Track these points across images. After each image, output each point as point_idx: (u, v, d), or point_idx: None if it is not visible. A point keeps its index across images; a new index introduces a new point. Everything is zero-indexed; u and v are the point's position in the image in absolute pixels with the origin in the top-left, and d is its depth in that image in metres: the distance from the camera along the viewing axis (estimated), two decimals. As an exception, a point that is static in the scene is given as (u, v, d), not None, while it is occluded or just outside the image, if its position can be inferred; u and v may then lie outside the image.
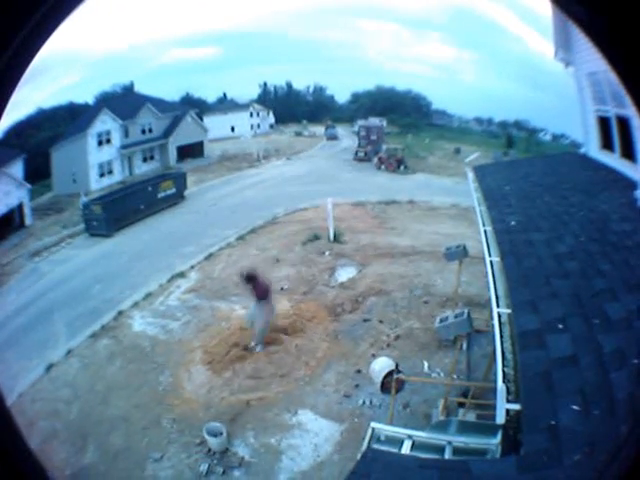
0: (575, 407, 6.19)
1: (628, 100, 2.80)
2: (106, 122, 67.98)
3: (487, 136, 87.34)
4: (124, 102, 73.51)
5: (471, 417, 16.98)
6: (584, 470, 5.03)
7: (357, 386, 22.77)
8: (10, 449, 2.87)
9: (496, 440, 7.18)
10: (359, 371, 23.59)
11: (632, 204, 12.35)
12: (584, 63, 18.28)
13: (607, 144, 18.01)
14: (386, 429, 8.54)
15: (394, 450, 7.63)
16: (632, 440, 3.00)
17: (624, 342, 7.07)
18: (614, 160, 17.12)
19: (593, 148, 19.78)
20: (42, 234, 50.37)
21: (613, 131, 16.92)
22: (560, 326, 8.07)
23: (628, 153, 15.45)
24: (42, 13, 2.49)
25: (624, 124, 15.64)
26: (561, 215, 14.05)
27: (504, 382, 7.77)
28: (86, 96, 75.14)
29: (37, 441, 19.83)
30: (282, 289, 32.72)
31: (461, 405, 18.84)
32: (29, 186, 56.50)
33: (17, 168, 55.63)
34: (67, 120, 68.56)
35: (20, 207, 54.26)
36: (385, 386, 18.44)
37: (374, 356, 23.18)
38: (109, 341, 28.63)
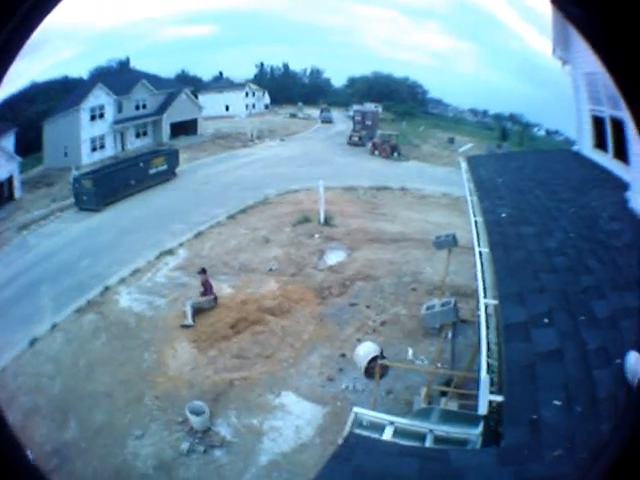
0: (557, 402, 6.23)
1: (623, 103, 2.82)
2: (100, 97, 67.57)
3: (481, 127, 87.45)
4: (119, 77, 73.15)
5: (453, 406, 17.02)
6: (564, 466, 5.07)
7: (341, 370, 22.88)
8: None
9: (477, 431, 7.22)
10: (343, 355, 23.71)
11: (622, 204, 12.38)
12: (581, 63, 18.27)
13: (600, 144, 18.03)
14: (368, 414, 8.56)
15: (376, 436, 7.66)
16: (615, 441, 3.03)
17: (609, 341, 7.11)
18: (606, 160, 17.15)
19: (586, 146, 19.80)
20: (31, 207, 50.09)
21: (607, 131, 16.94)
22: (546, 320, 8.10)
23: (620, 154, 15.47)
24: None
25: (618, 125, 15.65)
26: (552, 210, 14.07)
27: (488, 373, 7.81)
28: (81, 71, 74.89)
29: (18, 416, 19.86)
30: (270, 270, 32.84)
31: (443, 394, 18.92)
32: (19, 159, 56.14)
33: (8, 141, 55.23)
34: (61, 94, 68.12)
35: (10, 180, 53.89)
36: (369, 371, 18.57)
37: (359, 341, 23.37)
38: (94, 316, 28.61)
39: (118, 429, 20.29)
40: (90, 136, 66.25)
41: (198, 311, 27.92)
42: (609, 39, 2.62)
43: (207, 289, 28.96)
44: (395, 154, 67.50)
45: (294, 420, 20.33)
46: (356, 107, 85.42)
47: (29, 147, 59.97)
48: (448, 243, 21.91)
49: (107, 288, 31.60)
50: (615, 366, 6.44)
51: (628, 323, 7.34)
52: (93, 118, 66.80)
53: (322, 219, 40.59)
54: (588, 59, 16.53)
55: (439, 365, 20.45)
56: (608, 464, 2.90)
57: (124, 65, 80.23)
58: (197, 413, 20.07)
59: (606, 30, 2.61)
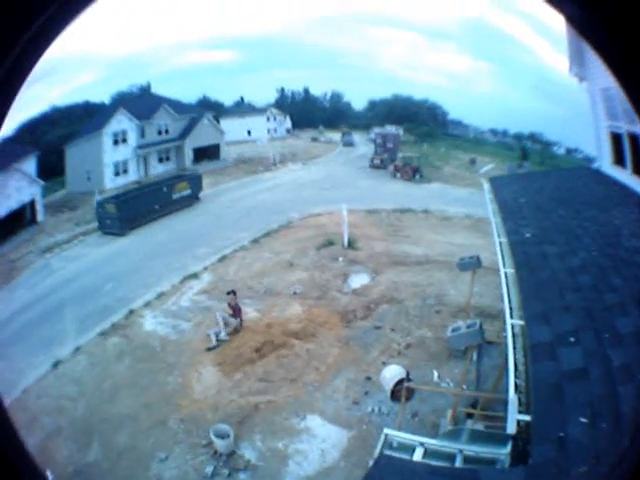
0: (583, 419, 6.24)
1: (637, 117, 2.84)
2: (122, 121, 68.07)
3: (502, 147, 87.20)
4: (141, 102, 73.63)
5: (479, 428, 16.98)
6: (590, 480, 5.08)
7: (366, 393, 22.79)
8: (7, 450, 2.89)
9: (506, 450, 7.22)
10: (369, 378, 23.62)
11: (642, 220, 12.39)
12: (597, 79, 18.28)
13: (619, 160, 18.02)
14: (399, 436, 8.59)
15: (406, 457, 7.68)
16: (633, 452, 3.05)
17: (632, 357, 7.12)
18: (626, 176, 17.13)
19: (606, 163, 19.79)
20: (54, 231, 50.49)
21: (625, 147, 16.92)
22: (572, 339, 8.12)
23: (639, 170, 15.46)
24: (49, 14, 2.53)
25: (635, 141, 15.66)
26: (574, 229, 14.08)
27: (516, 393, 7.82)
28: (102, 95, 75.49)
29: (41, 437, 19.96)
30: (295, 293, 32.84)
31: (469, 416, 18.84)
32: (42, 183, 56.52)
33: (30, 165, 55.58)
34: (82, 118, 68.72)
35: (32, 203, 54.23)
36: (395, 394, 18.54)
37: (384, 364, 23.31)
38: (119, 339, 28.73)
39: (142, 452, 20.32)
40: (113, 161, 66.74)
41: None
42: (622, 54, 2.64)
43: (236, 312, 28.91)
44: (417, 176, 67.34)
45: (319, 443, 20.25)
46: (377, 130, 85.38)
47: (51, 171, 60.37)
48: (472, 265, 21.89)
49: (132, 311, 31.73)
50: (638, 381, 6.45)
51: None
52: (116, 143, 67.29)
53: (346, 242, 40.58)
54: (603, 74, 16.55)
55: (464, 387, 20.42)
56: (625, 477, 2.92)
57: (145, 90, 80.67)
58: (222, 436, 20.03)
59: (620, 46, 2.63)
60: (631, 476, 2.89)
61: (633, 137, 15.97)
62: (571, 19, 2.97)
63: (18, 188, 52.06)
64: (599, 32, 2.73)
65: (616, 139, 18.13)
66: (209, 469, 19.24)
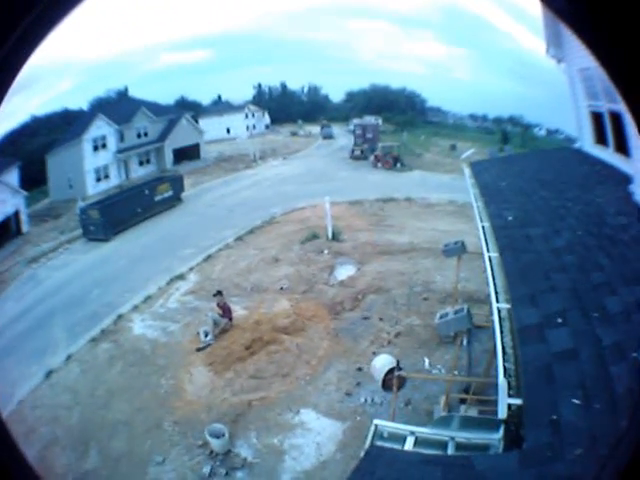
0: (576, 401, 6.22)
1: (619, 96, 2.83)
2: (101, 127, 67.92)
3: (482, 132, 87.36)
4: (119, 107, 73.52)
5: (473, 413, 16.99)
6: (586, 464, 5.05)
7: (358, 384, 22.85)
8: (6, 461, 2.86)
9: (498, 435, 7.18)
10: (360, 369, 23.67)
11: (627, 198, 12.36)
12: (575, 59, 18.28)
13: (601, 139, 18.03)
14: (389, 426, 8.53)
15: (397, 447, 7.64)
16: (631, 434, 3.02)
17: (623, 335, 7.10)
18: (608, 154, 17.14)
19: (587, 143, 19.81)
20: (39, 240, 50.25)
21: (606, 126, 16.95)
22: (559, 320, 8.09)
23: (622, 147, 15.46)
24: (28, 23, 2.50)
25: (617, 119, 15.66)
26: (558, 209, 14.06)
27: (505, 377, 7.79)
28: (80, 102, 75.24)
29: (38, 447, 19.91)
30: (282, 289, 32.88)
31: (463, 401, 18.88)
32: (25, 193, 56.26)
33: (12, 176, 55.35)
34: (62, 126, 68.46)
35: (16, 214, 54.00)
36: (387, 383, 18.49)
37: (375, 354, 23.20)
38: (109, 345, 28.66)
39: (139, 456, 20.30)
40: (94, 167, 66.56)
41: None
42: (600, 33, 2.63)
43: (225, 311, 28.97)
44: (398, 165, 67.54)
45: (314, 437, 20.29)
46: (356, 121, 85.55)
47: (33, 181, 60.17)
48: (457, 250, 21.86)
49: (120, 316, 31.68)
50: (631, 360, 6.43)
51: (640, 317, 7.34)
52: (96, 149, 67.12)
53: (330, 235, 40.66)
54: (582, 55, 16.54)
55: (456, 373, 20.46)
56: (624, 458, 2.89)
57: (123, 94, 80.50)
58: (217, 436, 20.04)
59: (597, 24, 2.62)
60: (631, 456, 2.86)
61: (614, 115, 15.99)
62: (550, 3, 2.95)
63: (2, 200, 51.81)
64: (580, 15, 2.71)
65: (597, 118, 18.16)
66: (206, 469, 19.25)
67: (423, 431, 8.00)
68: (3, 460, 2.84)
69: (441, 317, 15.61)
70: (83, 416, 23.03)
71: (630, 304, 7.75)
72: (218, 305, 29.07)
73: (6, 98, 2.73)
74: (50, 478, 17.99)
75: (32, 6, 2.50)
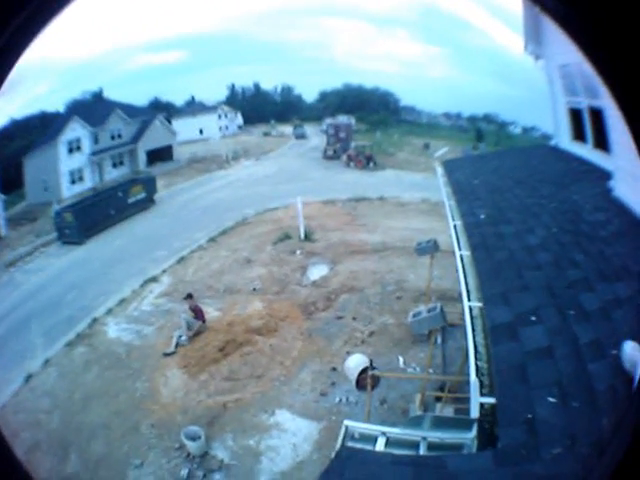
0: (552, 399, 6.18)
1: (603, 91, 2.81)
2: (76, 129, 67.71)
3: (456, 130, 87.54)
4: (93, 109, 73.14)
5: (449, 411, 17.05)
6: (565, 464, 5.01)
7: (333, 384, 22.82)
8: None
9: (471, 434, 7.15)
10: (334, 369, 23.62)
11: (606, 194, 12.38)
12: (555, 56, 18.31)
13: (579, 135, 18.06)
14: (360, 427, 8.51)
15: (368, 447, 7.61)
16: (618, 436, 2.97)
17: (602, 333, 7.07)
18: (587, 151, 17.18)
19: (564, 140, 19.85)
20: (16, 244, 50.05)
21: (585, 122, 16.97)
22: (533, 318, 8.07)
23: (601, 144, 15.47)
24: (15, 26, 2.47)
25: (597, 115, 15.67)
26: (532, 207, 14.08)
27: (478, 376, 7.75)
28: (57, 105, 74.84)
29: (21, 452, 19.77)
30: (254, 290, 32.81)
31: (438, 399, 18.89)
32: (3, 197, 56.25)
33: (-10, 181, 55.48)
34: (39, 129, 68.27)
35: (-5, 219, 53.95)
36: (360, 383, 18.47)
37: (348, 353, 23.19)
38: (85, 349, 28.52)
39: (117, 459, 20.21)
40: (69, 169, 66.31)
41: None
42: (589, 30, 2.61)
43: (197, 314, 28.90)
44: (371, 164, 67.61)
45: (290, 438, 20.23)
46: (329, 120, 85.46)
47: (11, 184, 60.08)
48: (430, 249, 21.86)
49: (95, 320, 31.49)
50: (611, 357, 6.39)
51: (620, 313, 7.30)
52: (71, 151, 66.90)
53: (302, 235, 40.67)
54: (561, 51, 16.58)
55: (431, 371, 20.43)
56: (613, 460, 2.84)
57: (98, 96, 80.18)
58: (193, 438, 19.96)
59: (585, 22, 2.59)
60: (619, 461, 2.81)
61: (594, 111, 16.00)
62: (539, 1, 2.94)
63: (-20, 206, 51.89)
64: (569, 13, 2.70)
65: (575, 115, 18.20)
66: (184, 472, 19.17)
67: (394, 431, 7.97)
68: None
69: (414, 316, 15.55)
70: (62, 420, 22.91)
71: (608, 301, 7.73)
72: (190, 308, 29.02)
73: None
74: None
75: (19, 10, 2.47)
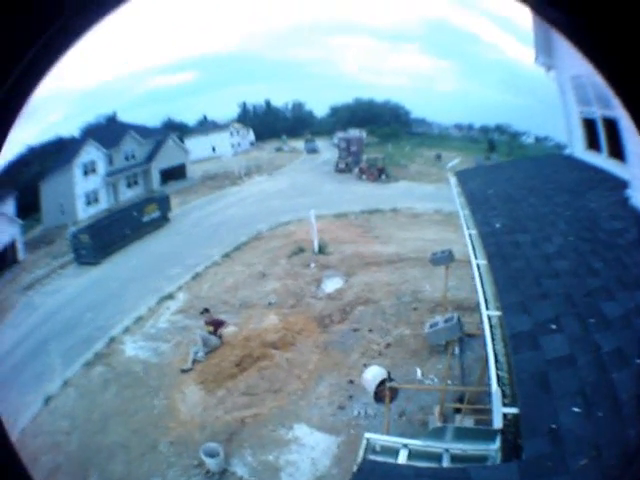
0: (576, 409, 6.10)
1: (615, 102, 2.76)
2: (90, 152, 68.01)
3: (468, 141, 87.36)
4: (107, 132, 73.38)
5: (469, 422, 16.93)
6: (592, 475, 4.93)
7: (351, 397, 22.75)
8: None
9: (495, 446, 7.07)
10: (352, 381, 23.56)
11: (622, 202, 12.27)
12: (566, 67, 18.26)
13: (593, 144, 17.99)
14: (381, 439, 8.43)
15: (390, 460, 7.53)
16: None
17: (624, 341, 6.98)
18: (601, 160, 17.09)
19: (578, 149, 19.77)
20: (34, 267, 50.13)
21: (599, 132, 16.90)
22: (553, 326, 7.99)
23: (616, 153, 15.39)
24: (31, 57, 2.47)
25: (611, 124, 15.60)
26: (547, 216, 13.99)
27: (499, 385, 7.67)
28: (72, 129, 75.11)
29: (42, 476, 19.77)
30: (270, 304, 32.77)
31: (458, 411, 18.78)
32: (21, 222, 56.55)
33: (9, 206, 55.60)
34: (55, 154, 68.61)
35: (13, 243, 54.07)
36: (379, 395, 18.40)
37: (365, 365, 23.15)
38: (103, 368, 28.51)
39: (137, 479, 20.20)
40: (84, 191, 66.52)
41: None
42: (596, 41, 2.59)
43: (216, 326, 29.05)
44: (383, 176, 67.48)
45: (309, 452, 20.15)
46: (340, 134, 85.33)
47: (28, 209, 60.30)
48: (445, 259, 21.83)
49: (112, 339, 31.51)
50: (635, 366, 6.30)
51: (643, 322, 7.22)
52: (86, 173, 67.08)
53: (316, 248, 40.61)
54: (573, 62, 16.51)
55: (449, 382, 20.35)
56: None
57: (111, 119, 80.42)
58: (212, 455, 19.90)
59: (592, 32, 2.57)
60: None
61: (608, 121, 15.93)
62: (544, 13, 2.91)
63: (0, 231, 52.02)
64: (575, 24, 2.67)
65: (589, 124, 18.13)
66: (204, 490, 19.10)
67: (416, 443, 7.89)
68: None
69: (431, 326, 15.51)
70: (82, 441, 22.90)
71: (629, 309, 7.64)
72: (206, 323, 28.97)
73: (12, 130, 2.73)
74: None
75: (35, 41, 2.48)
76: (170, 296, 36.72)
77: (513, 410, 7.01)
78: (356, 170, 70.10)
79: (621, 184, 13.29)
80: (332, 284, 35.18)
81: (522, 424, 6.54)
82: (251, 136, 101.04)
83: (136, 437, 22.39)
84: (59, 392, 26.93)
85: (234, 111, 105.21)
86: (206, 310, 29.68)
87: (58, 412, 25.35)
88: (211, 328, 28.68)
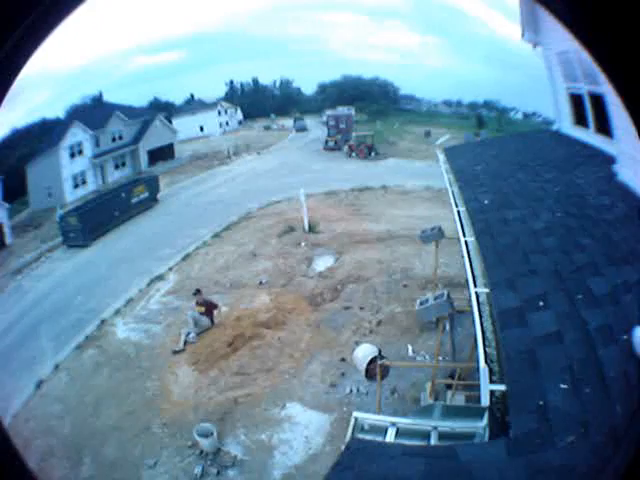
0: (564, 386, 6.13)
1: (602, 78, 2.79)
2: (77, 134, 67.76)
3: (457, 118, 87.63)
4: (94, 113, 73.36)
5: (460, 398, 17.01)
6: (580, 452, 4.97)
7: (343, 375, 22.79)
8: (9, 470, 2.85)
9: (483, 423, 7.10)
10: (344, 359, 23.61)
11: (610, 178, 12.31)
12: (553, 43, 18.22)
13: (580, 120, 17.99)
14: (369, 418, 8.47)
15: (379, 439, 7.57)
16: (634, 423, 2.94)
17: (611, 317, 7.01)
18: (588, 135, 17.10)
19: (566, 124, 19.76)
20: (22, 251, 49.99)
21: (586, 108, 16.91)
22: (541, 303, 8.01)
23: (603, 128, 15.40)
24: (15, 39, 2.46)
25: (598, 100, 15.61)
26: (535, 192, 14.00)
27: (487, 363, 7.71)
28: (57, 111, 74.99)
29: (35, 460, 19.78)
30: (261, 283, 32.81)
31: (449, 387, 18.85)
32: (7, 205, 56.43)
33: (-4, 190, 55.68)
34: (40, 136, 68.35)
35: (0, 227, 54.02)
36: (370, 373, 18.44)
37: (357, 343, 23.19)
38: (94, 351, 28.46)
39: (131, 461, 20.16)
40: (71, 173, 66.34)
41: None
42: (583, 17, 2.59)
43: (208, 307, 28.97)
44: (372, 154, 67.67)
45: (302, 431, 20.21)
46: (329, 112, 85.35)
47: (15, 192, 60.15)
48: (434, 236, 21.83)
49: (103, 321, 31.44)
50: (622, 343, 6.33)
51: (630, 298, 7.24)
52: (72, 155, 66.94)
53: (307, 227, 40.68)
54: (560, 38, 16.49)
55: (440, 359, 20.41)
56: (629, 450, 2.81)
57: (97, 100, 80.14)
58: (205, 435, 19.91)
59: (578, 9, 2.57)
60: (637, 451, 2.78)
61: (595, 97, 15.94)
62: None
63: (-14, 215, 52.09)
64: (562, 1, 2.69)
65: (576, 100, 18.12)
66: (198, 470, 19.10)
67: (404, 422, 7.93)
68: (7, 470, 2.85)
69: (421, 303, 15.50)
70: (74, 424, 22.84)
71: (617, 285, 7.66)
72: (198, 303, 28.95)
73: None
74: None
75: (19, 23, 2.47)
76: (161, 277, 36.71)
77: (500, 387, 7.05)
78: (345, 148, 70.35)
79: (608, 159, 13.32)
80: (323, 262, 35.24)
81: (509, 401, 6.58)
82: (239, 115, 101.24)
83: (129, 419, 22.39)
84: (51, 376, 26.86)
85: (222, 90, 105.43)
86: (198, 291, 29.61)
87: (50, 396, 25.29)
88: (202, 309, 28.65)
